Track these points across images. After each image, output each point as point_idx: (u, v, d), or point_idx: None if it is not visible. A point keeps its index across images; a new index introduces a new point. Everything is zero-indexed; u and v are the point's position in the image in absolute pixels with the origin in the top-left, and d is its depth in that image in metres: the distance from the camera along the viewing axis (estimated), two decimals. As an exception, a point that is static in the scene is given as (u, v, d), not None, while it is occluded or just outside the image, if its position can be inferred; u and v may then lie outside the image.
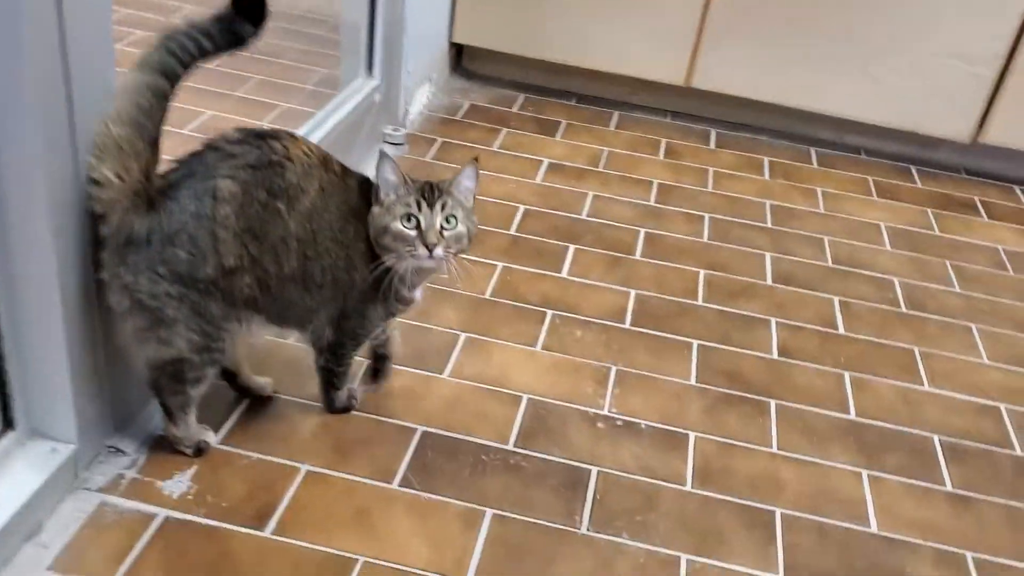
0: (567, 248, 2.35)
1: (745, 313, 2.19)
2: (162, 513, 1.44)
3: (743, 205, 2.69)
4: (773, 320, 2.17)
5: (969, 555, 1.61)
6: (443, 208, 1.42)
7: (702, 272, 2.32)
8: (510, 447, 1.68)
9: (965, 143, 3.02)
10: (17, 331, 1.34)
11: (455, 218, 1.44)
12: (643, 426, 1.79)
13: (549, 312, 2.08)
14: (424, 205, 1.41)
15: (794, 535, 1.59)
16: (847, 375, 2.02)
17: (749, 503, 1.64)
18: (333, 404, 1.67)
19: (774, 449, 1.78)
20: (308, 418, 1.66)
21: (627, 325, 2.08)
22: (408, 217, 1.41)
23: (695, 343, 2.05)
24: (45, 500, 1.39)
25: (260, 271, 1.40)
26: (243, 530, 1.43)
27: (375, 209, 1.44)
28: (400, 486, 1.56)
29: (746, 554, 1.54)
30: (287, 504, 1.49)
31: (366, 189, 1.47)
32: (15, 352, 1.36)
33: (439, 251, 1.41)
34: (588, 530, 1.54)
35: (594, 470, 1.66)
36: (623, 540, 1.53)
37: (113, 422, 1.53)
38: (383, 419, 1.69)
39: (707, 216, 2.60)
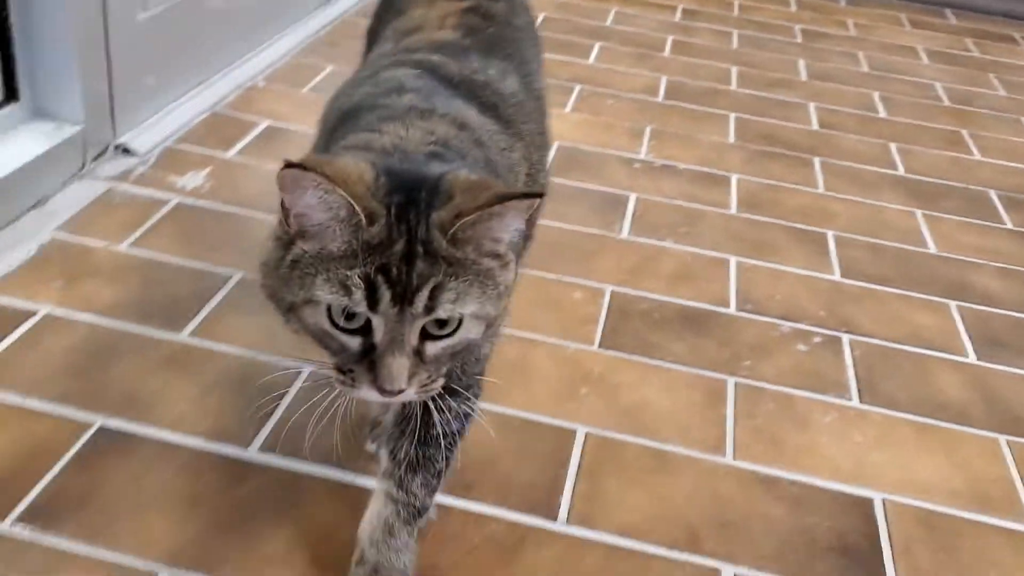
0: (593, 44, 2.24)
1: (781, 98, 2.08)
2: (175, 199, 1.35)
3: (771, 27, 2.58)
4: (811, 104, 2.07)
5: (1035, 272, 1.51)
6: (433, 298, 0.63)
7: (734, 68, 2.22)
8: (543, 176, 1.59)
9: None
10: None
11: (456, 319, 0.65)
12: (681, 168, 1.69)
13: (577, 86, 1.98)
14: (385, 289, 0.62)
15: (848, 250, 1.49)
16: (892, 145, 1.91)
17: (799, 226, 1.54)
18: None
19: (821, 190, 1.68)
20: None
21: (660, 99, 1.97)
22: (347, 314, 0.64)
23: (731, 115, 1.95)
24: (50, 174, 1.29)
25: None
26: (266, 216, 1.34)
27: (270, 244, 0.67)
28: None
29: (799, 260, 1.44)
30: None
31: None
32: (21, 23, 1.26)
33: (409, 393, 0.65)
34: (628, 235, 1.44)
35: (632, 195, 1.56)
36: (666, 244, 1.43)
37: (123, 115, 1.43)
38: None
39: (735, 32, 2.49)
